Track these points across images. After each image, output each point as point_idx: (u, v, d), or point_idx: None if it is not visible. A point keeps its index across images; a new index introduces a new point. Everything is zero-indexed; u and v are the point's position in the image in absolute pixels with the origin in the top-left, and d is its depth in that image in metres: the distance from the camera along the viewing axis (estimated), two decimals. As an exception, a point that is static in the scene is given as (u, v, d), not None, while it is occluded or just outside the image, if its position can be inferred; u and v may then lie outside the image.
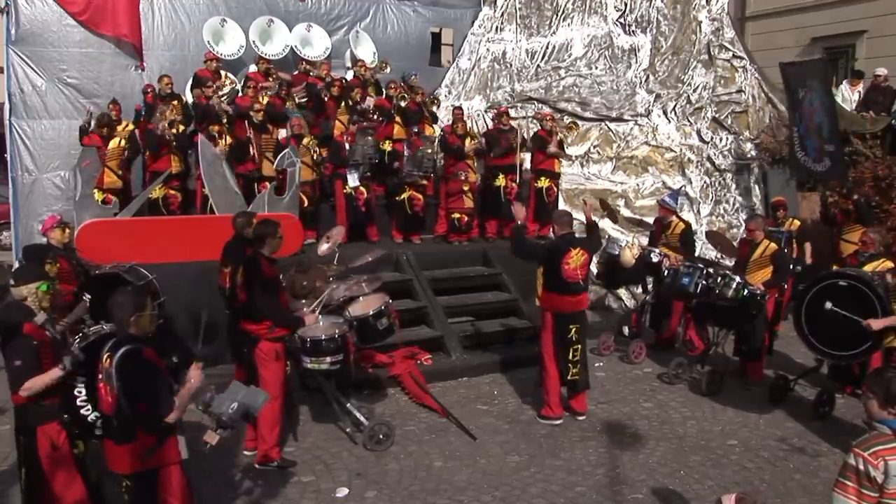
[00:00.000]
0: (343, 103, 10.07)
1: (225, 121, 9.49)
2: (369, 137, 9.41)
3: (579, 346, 6.62)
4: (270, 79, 10.20)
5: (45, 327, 4.27)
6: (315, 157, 9.20)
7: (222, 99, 9.87)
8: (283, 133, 9.38)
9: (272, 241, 5.66)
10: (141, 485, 3.71)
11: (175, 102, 9.52)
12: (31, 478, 4.33)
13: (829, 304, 6.22)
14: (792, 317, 6.83)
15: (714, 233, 9.52)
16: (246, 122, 9.32)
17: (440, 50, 14.91)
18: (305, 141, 9.14)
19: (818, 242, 9.56)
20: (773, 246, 7.71)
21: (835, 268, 8.46)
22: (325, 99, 10.02)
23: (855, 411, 6.76)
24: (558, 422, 6.64)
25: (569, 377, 6.63)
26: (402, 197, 9.63)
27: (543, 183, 10.12)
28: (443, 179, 10.04)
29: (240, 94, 10.09)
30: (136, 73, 10.61)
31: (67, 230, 6.88)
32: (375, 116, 10.26)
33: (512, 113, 11.05)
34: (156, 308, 3.85)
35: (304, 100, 10.38)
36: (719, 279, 7.21)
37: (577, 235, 6.80)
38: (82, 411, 4.51)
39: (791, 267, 8.56)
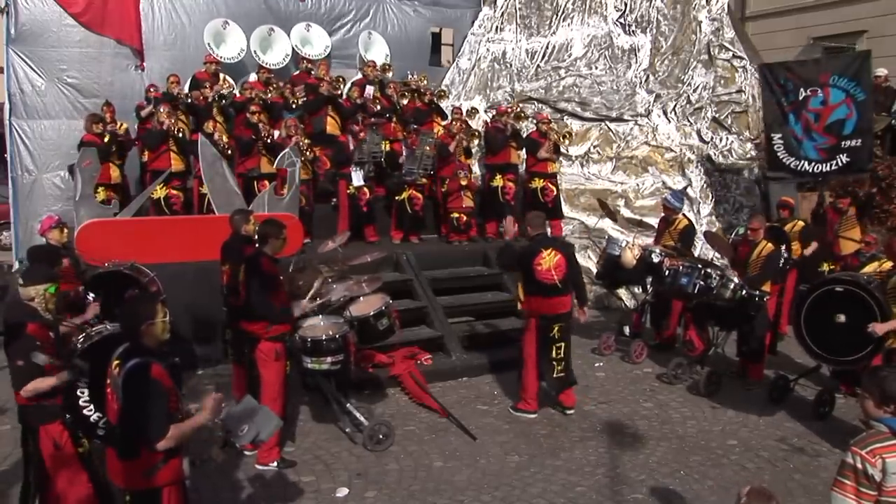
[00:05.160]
0: (331, 102, 10.11)
1: (220, 117, 9.56)
2: (377, 135, 9.43)
3: (563, 345, 6.70)
4: (271, 87, 10.23)
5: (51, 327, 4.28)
6: (308, 156, 9.22)
7: (221, 101, 9.89)
8: (277, 133, 9.39)
9: (275, 242, 5.69)
10: (143, 503, 3.59)
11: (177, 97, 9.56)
12: (36, 477, 4.34)
13: (842, 318, 6.19)
14: (791, 324, 6.84)
15: (711, 233, 9.52)
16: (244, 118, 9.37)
17: (440, 50, 14.93)
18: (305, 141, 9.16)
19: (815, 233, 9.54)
20: (770, 247, 7.71)
21: (829, 267, 8.47)
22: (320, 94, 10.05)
23: (855, 411, 6.73)
24: (532, 416, 6.78)
25: (554, 375, 6.71)
26: (402, 197, 9.64)
27: (538, 183, 10.12)
28: (444, 179, 10.06)
29: (237, 95, 10.15)
30: (136, 73, 10.62)
31: (66, 230, 6.90)
32: (378, 108, 10.27)
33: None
34: (167, 314, 3.69)
35: (303, 99, 10.38)
36: (717, 280, 7.22)
37: (548, 235, 6.91)
38: (84, 411, 4.53)
39: (787, 267, 8.57)
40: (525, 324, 6.88)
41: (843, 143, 10.44)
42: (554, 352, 6.65)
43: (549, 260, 6.51)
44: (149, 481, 3.52)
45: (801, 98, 10.73)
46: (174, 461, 3.59)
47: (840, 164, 10.49)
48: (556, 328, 6.64)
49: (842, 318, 6.15)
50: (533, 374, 6.75)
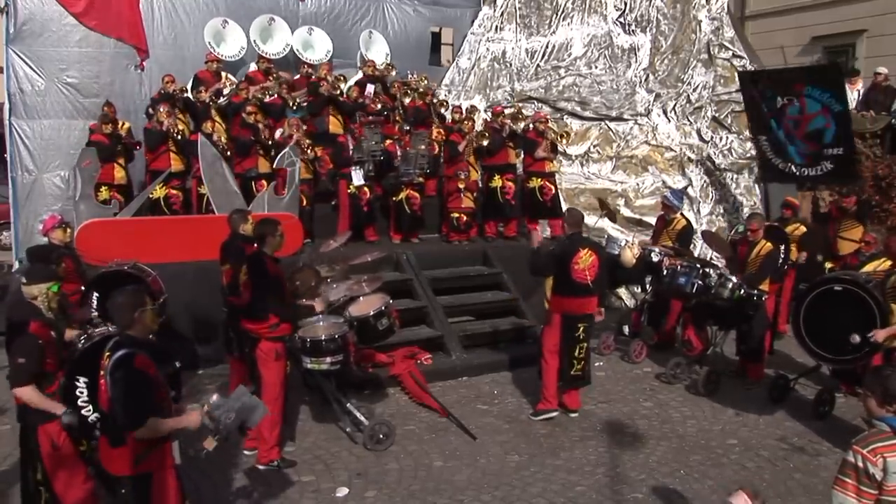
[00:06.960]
0: (333, 102, 10.10)
1: (217, 118, 9.55)
2: (376, 133, 9.41)
3: (585, 345, 6.72)
4: (270, 77, 10.21)
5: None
6: (309, 155, 9.21)
7: (220, 101, 9.88)
8: (278, 133, 9.38)
9: (272, 241, 5.68)
10: (135, 488, 3.68)
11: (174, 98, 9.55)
12: (42, 476, 4.35)
13: (856, 338, 6.03)
14: (791, 322, 6.85)
15: (709, 233, 9.52)
16: (240, 118, 9.36)
17: (440, 49, 14.93)
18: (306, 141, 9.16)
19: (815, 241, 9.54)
20: (769, 246, 7.71)
21: (829, 266, 8.47)
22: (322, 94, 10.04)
23: (855, 411, 6.76)
24: (554, 414, 6.70)
25: (572, 372, 6.69)
26: (400, 197, 9.62)
27: (535, 183, 10.11)
28: (445, 178, 10.05)
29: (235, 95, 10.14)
30: (136, 73, 10.61)
31: (69, 230, 6.91)
32: (379, 107, 10.26)
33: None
34: (156, 304, 3.80)
35: (305, 103, 10.37)
36: (715, 279, 7.22)
37: (583, 235, 6.86)
38: (83, 412, 4.53)
39: (786, 268, 8.57)
40: (547, 320, 6.82)
41: (825, 150, 10.46)
42: (577, 351, 6.67)
43: (585, 260, 6.51)
44: (139, 467, 3.62)
45: (778, 106, 10.72)
46: (164, 447, 3.68)
47: (825, 170, 10.55)
48: (582, 328, 6.66)
49: (857, 338, 6.05)
50: (553, 371, 6.72)
